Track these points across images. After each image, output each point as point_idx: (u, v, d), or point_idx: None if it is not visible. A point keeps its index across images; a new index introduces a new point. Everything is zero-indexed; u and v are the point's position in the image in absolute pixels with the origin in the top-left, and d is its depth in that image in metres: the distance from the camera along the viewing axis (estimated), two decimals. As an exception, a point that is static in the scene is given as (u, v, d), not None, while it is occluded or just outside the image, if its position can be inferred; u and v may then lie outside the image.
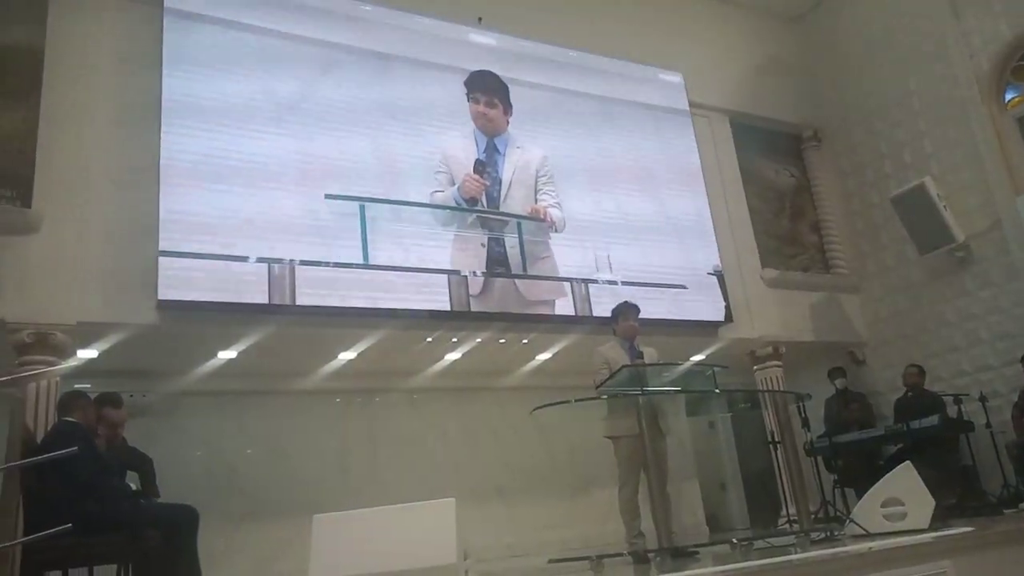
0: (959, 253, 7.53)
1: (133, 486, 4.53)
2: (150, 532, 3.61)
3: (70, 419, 4.02)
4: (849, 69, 8.89)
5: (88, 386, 5.01)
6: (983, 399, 6.64)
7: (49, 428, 4.43)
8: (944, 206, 7.40)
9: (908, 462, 4.65)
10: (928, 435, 6.65)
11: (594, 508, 7.41)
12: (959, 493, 6.44)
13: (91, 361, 5.67)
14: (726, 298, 7.62)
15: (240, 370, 6.36)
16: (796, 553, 3.88)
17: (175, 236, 5.40)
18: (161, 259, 5.30)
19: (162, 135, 5.57)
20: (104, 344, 5.46)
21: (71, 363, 5.31)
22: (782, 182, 8.95)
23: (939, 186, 7.49)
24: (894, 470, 4.68)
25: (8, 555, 2.52)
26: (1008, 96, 7.59)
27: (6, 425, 2.70)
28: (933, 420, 6.63)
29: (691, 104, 8.27)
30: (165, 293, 5.26)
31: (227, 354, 6.11)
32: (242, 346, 5.92)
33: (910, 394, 7.32)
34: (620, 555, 4.60)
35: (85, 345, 5.44)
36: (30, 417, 4.60)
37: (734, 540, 4.64)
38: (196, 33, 5.96)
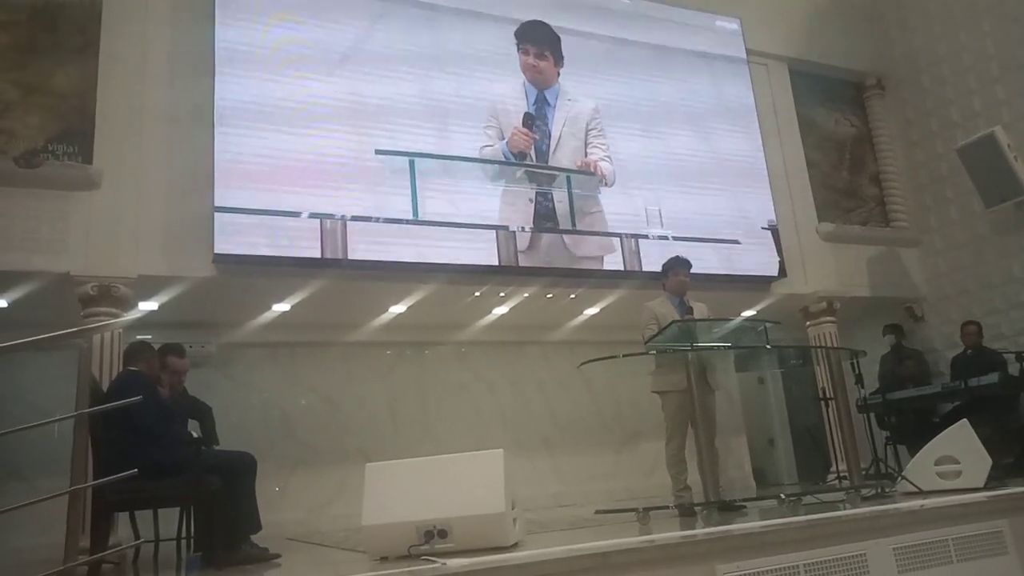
0: (1028, 206, 7.21)
1: (194, 434, 4.71)
2: (211, 477, 3.75)
3: (134, 368, 4.17)
4: (917, 11, 8.45)
5: (149, 337, 5.19)
6: (1047, 357, 6.43)
7: (114, 377, 4.63)
8: (1015, 157, 7.06)
9: (964, 420, 4.54)
10: (986, 393, 6.47)
11: (640, 461, 7.46)
12: (1017, 452, 6.27)
13: (152, 313, 5.87)
14: (780, 252, 7.45)
15: (294, 322, 6.52)
16: (845, 509, 3.85)
17: (231, 184, 5.48)
18: (217, 214, 5.41)
19: (216, 82, 5.62)
20: (164, 296, 5.63)
21: (133, 315, 5.50)
22: (842, 132, 8.64)
23: (1010, 135, 7.13)
24: (949, 428, 4.58)
25: (80, 497, 2.66)
26: (1089, 38, 7.14)
27: (74, 375, 2.84)
28: (992, 378, 6.44)
29: (748, 51, 7.99)
30: (221, 247, 5.38)
31: (281, 306, 6.26)
32: (296, 299, 6.05)
33: (969, 351, 7.12)
34: (666, 507, 4.63)
35: (146, 297, 5.63)
36: (95, 367, 4.79)
37: (782, 495, 4.62)
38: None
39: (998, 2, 7.59)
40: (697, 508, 4.53)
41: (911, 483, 4.39)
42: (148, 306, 5.77)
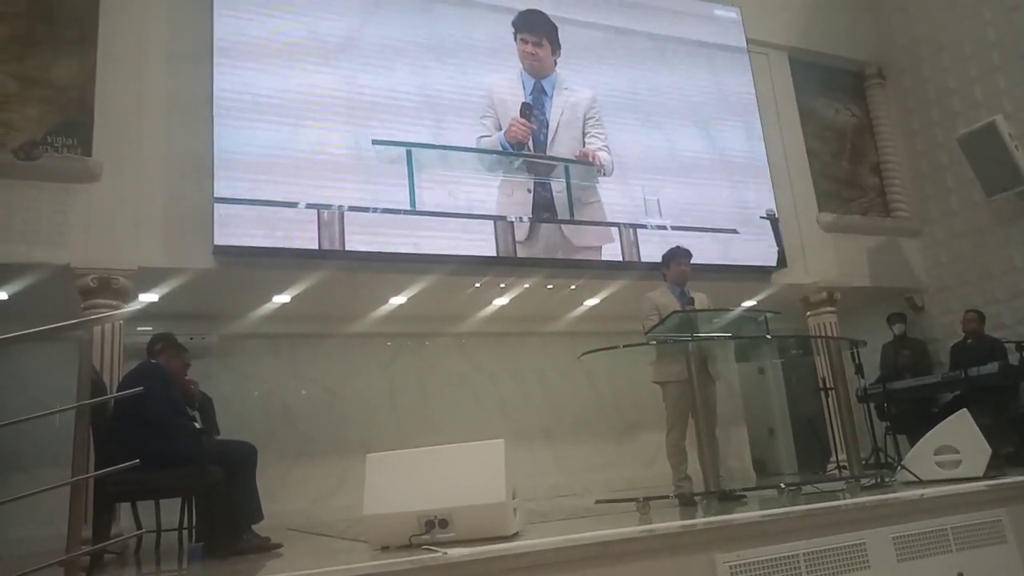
0: (1029, 195, 7.19)
1: (196, 424, 4.73)
2: (212, 468, 3.77)
3: (153, 360, 4.23)
4: (918, 0, 8.41)
5: (150, 329, 5.20)
6: (1048, 346, 6.44)
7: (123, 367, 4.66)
8: (1016, 146, 7.05)
9: (964, 409, 4.55)
10: (986, 382, 6.47)
11: (640, 451, 7.48)
12: (1017, 442, 6.28)
13: (152, 304, 5.87)
14: (780, 242, 7.45)
15: (294, 313, 6.53)
16: (845, 498, 3.86)
17: (229, 175, 5.48)
18: (216, 205, 5.40)
19: (215, 73, 5.62)
20: (164, 288, 5.64)
21: (134, 307, 5.51)
22: (842, 122, 8.61)
23: (1011, 125, 7.12)
24: (949, 417, 4.59)
25: (82, 488, 2.67)
26: (1091, 27, 7.11)
27: (72, 367, 2.84)
28: (992, 367, 6.45)
29: (748, 41, 7.95)
30: (221, 238, 5.38)
31: (281, 298, 6.27)
32: (295, 290, 6.06)
33: (969, 340, 7.12)
34: (666, 497, 4.65)
35: (146, 289, 5.63)
36: (96, 359, 4.80)
37: (782, 485, 4.63)
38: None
39: (999, -10, 7.56)
40: (697, 498, 4.54)
41: (911, 473, 4.41)
42: (148, 298, 5.77)
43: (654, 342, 4.79)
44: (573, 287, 6.87)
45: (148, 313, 5.93)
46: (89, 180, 5.24)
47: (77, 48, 5.43)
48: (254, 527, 3.98)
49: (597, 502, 4.88)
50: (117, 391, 4.02)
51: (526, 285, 6.64)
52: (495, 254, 6.24)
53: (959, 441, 4.36)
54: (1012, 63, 7.45)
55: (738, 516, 3.37)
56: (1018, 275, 7.40)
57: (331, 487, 6.57)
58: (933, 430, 4.55)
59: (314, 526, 5.55)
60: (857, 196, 8.41)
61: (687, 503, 4.51)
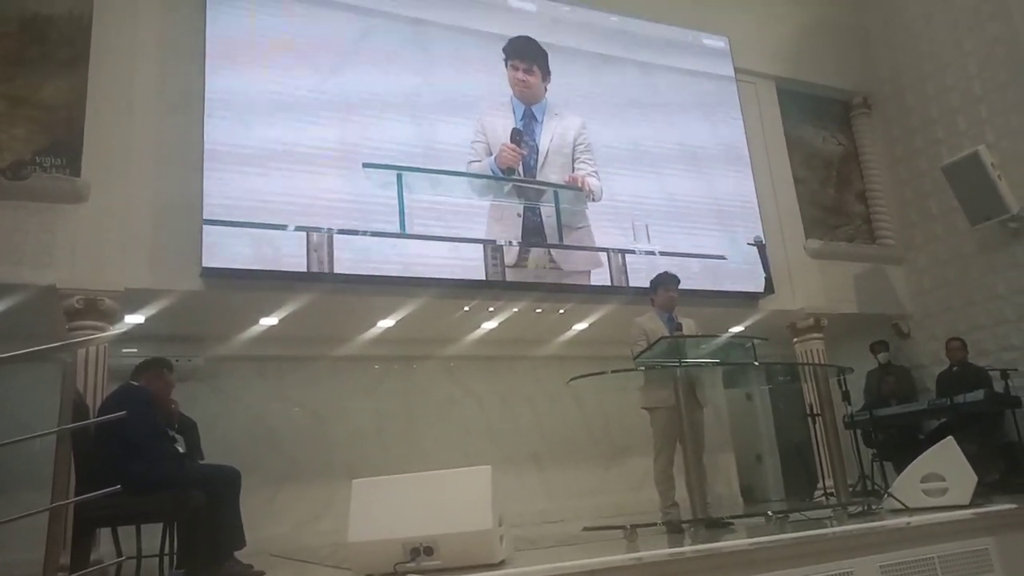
0: (1012, 224, 7.27)
1: (180, 448, 4.67)
2: (195, 492, 3.71)
3: (136, 383, 4.17)
4: (902, 31, 8.56)
5: (135, 351, 5.15)
6: (1032, 374, 6.49)
7: (107, 389, 4.60)
8: (998, 175, 7.14)
9: (950, 437, 4.57)
10: (972, 410, 6.51)
11: (628, 477, 7.45)
12: (1003, 469, 6.31)
13: (138, 326, 5.83)
14: (767, 269, 7.50)
15: (281, 336, 6.50)
16: (832, 526, 3.85)
17: (217, 209, 5.47)
18: (205, 227, 5.39)
19: (206, 95, 5.62)
20: (151, 310, 5.60)
21: (119, 328, 5.46)
22: (829, 150, 8.72)
23: (994, 154, 7.23)
24: (936, 445, 4.60)
25: (61, 513, 2.63)
26: (1070, 60, 7.25)
27: (56, 389, 2.81)
28: (978, 395, 6.49)
29: (736, 70, 8.07)
30: (208, 260, 5.36)
31: (268, 320, 6.23)
32: (282, 313, 6.03)
33: (954, 368, 7.17)
34: (654, 524, 4.62)
35: (132, 311, 5.59)
36: (80, 381, 4.75)
37: (769, 512, 4.62)
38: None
39: (980, 24, 7.71)
40: (685, 525, 4.52)
41: (897, 500, 4.40)
42: (134, 319, 5.73)
43: (642, 368, 4.79)
44: (562, 311, 6.87)
45: (134, 335, 5.88)
46: (77, 200, 5.22)
47: (68, 69, 5.44)
48: (236, 554, 3.92)
49: (585, 529, 4.84)
50: (99, 413, 3.96)
51: (515, 309, 6.64)
52: (484, 278, 6.25)
53: (946, 469, 4.36)
54: (993, 93, 7.58)
55: (726, 544, 3.35)
56: (1001, 302, 7.47)
57: (316, 512, 6.50)
58: (920, 457, 4.56)
59: (298, 552, 5.47)
60: (843, 223, 8.50)
61: (675, 530, 4.48)
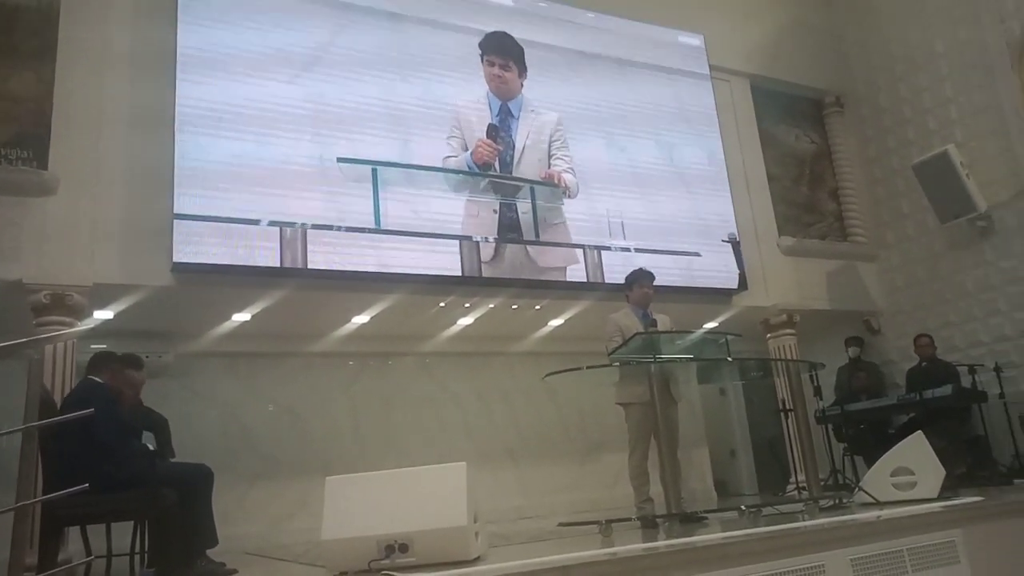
0: (980, 223, 7.41)
1: (150, 446, 4.60)
2: (166, 491, 3.67)
3: (94, 378, 4.07)
4: (876, 32, 8.68)
5: (104, 347, 5.06)
6: (998, 369, 6.63)
7: (74, 385, 4.51)
8: (967, 175, 7.27)
9: (919, 432, 4.64)
10: (940, 405, 6.63)
11: (603, 472, 7.48)
12: (970, 463, 6.43)
13: (107, 322, 5.73)
14: (741, 265, 7.56)
15: (254, 332, 6.42)
16: (804, 520, 3.90)
17: (190, 191, 5.39)
18: (176, 221, 5.31)
19: (177, 85, 5.54)
20: (120, 305, 5.51)
21: (88, 324, 5.37)
22: (802, 148, 8.81)
23: (963, 154, 7.35)
24: (905, 439, 4.67)
25: (27, 512, 2.58)
26: (1038, 62, 7.37)
27: (23, 386, 2.75)
28: (946, 390, 6.61)
29: (712, 67, 8.11)
30: (180, 255, 5.28)
31: (241, 316, 6.16)
32: (256, 308, 5.96)
33: (924, 364, 7.28)
34: (628, 519, 4.64)
35: (101, 306, 5.50)
36: (47, 378, 4.67)
37: (742, 507, 4.67)
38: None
39: (952, 26, 7.83)
40: (659, 520, 4.55)
41: (868, 494, 4.47)
42: (103, 315, 5.64)
43: (617, 363, 4.81)
44: (538, 307, 6.87)
45: (103, 331, 5.78)
46: (44, 194, 5.12)
47: (35, 60, 5.32)
48: (208, 552, 3.87)
49: (560, 525, 4.86)
50: (62, 410, 3.86)
51: (491, 305, 6.63)
52: (460, 274, 6.23)
53: (915, 463, 4.44)
54: (963, 95, 7.71)
55: (699, 539, 3.39)
56: (970, 300, 7.61)
57: (290, 510, 6.44)
58: (890, 452, 4.63)
59: (272, 549, 5.43)
60: (816, 221, 8.59)
61: (649, 525, 4.51)
